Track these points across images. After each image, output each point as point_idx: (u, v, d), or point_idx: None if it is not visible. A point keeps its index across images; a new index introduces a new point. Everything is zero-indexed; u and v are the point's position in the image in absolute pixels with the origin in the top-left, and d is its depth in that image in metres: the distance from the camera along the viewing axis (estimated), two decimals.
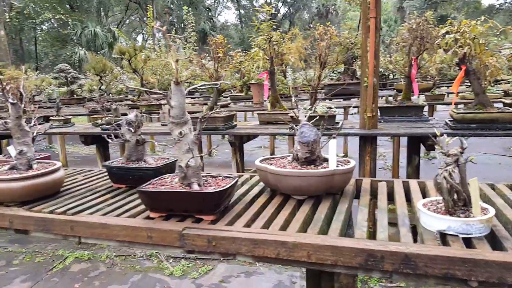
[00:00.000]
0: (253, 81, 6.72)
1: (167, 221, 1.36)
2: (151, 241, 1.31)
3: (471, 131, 3.20)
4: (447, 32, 3.19)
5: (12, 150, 1.88)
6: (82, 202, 1.63)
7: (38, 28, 23.73)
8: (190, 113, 5.08)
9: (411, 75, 3.89)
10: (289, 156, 1.66)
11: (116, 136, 1.82)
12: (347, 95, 7.13)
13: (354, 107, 5.63)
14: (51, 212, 1.53)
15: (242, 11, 35.32)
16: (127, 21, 34.54)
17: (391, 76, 9.55)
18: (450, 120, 3.44)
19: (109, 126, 4.30)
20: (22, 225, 1.50)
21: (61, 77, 9.63)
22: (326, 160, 1.57)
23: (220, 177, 1.51)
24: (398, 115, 3.91)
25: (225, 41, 3.91)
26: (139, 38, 36.20)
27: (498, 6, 34.81)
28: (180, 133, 1.38)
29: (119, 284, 3.23)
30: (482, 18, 2.99)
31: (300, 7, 36.43)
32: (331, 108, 3.78)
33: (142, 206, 1.56)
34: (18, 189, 1.58)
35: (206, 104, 7.45)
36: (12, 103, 1.71)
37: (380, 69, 9.53)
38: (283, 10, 37.12)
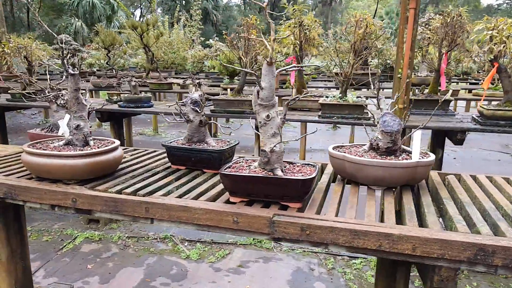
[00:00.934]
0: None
1: (251, 207, 1.31)
2: (237, 226, 1.26)
3: (500, 127, 3.21)
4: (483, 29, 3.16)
5: (63, 124, 1.80)
6: (148, 183, 1.56)
7: None
8: (209, 94, 4.94)
9: (440, 69, 3.86)
10: (363, 145, 1.62)
11: (177, 115, 1.75)
12: (360, 85, 7.10)
13: (386, 97, 5.59)
14: (119, 192, 1.46)
15: None
16: None
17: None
18: (478, 116, 3.43)
19: (128, 103, 4.19)
20: (88, 205, 1.44)
21: (63, 49, 9.37)
22: (405, 151, 1.53)
23: (298, 164, 1.46)
24: (424, 108, 3.88)
25: (258, 22, 3.80)
26: (137, 12, 35.40)
27: (496, 6, 34.93)
28: (268, 116, 1.33)
29: (134, 266, 3.17)
30: None
31: None
32: (361, 98, 3.74)
33: (216, 190, 1.51)
34: (81, 166, 1.50)
35: (213, 86, 7.33)
36: (72, 74, 1.62)
37: (386, 60, 9.52)
38: None
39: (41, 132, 2.13)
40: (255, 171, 1.37)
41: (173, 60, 9.96)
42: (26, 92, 2.74)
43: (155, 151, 2.14)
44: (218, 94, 4.66)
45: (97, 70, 9.99)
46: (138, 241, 3.68)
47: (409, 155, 1.51)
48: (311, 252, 3.40)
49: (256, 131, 4.15)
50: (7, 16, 22.59)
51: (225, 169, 1.38)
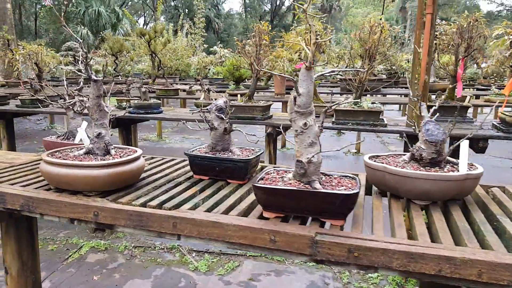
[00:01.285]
0: (276, 71, 6.55)
1: (288, 223, 1.21)
2: (274, 245, 1.15)
3: None
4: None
5: (82, 132, 1.70)
6: (172, 195, 1.46)
7: (38, 2, 23.08)
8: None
9: (457, 75, 3.75)
10: (401, 154, 1.51)
11: (201, 122, 1.65)
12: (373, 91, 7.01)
13: (402, 104, 5.47)
14: (143, 205, 1.36)
15: (247, 1, 34.88)
16: (130, 2, 33.87)
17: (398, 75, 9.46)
18: (499, 123, 3.33)
19: (138, 110, 4.11)
20: (110, 219, 1.33)
21: (69, 56, 9.35)
22: (449, 162, 1.42)
23: (336, 176, 1.36)
24: (441, 115, 3.76)
25: (269, 29, 3.72)
26: (141, 20, 35.62)
27: (496, 12, 35.01)
28: (305, 124, 1.22)
29: (141, 278, 3.05)
30: None
31: (305, 0, 36.07)
32: (376, 104, 3.64)
33: (245, 203, 1.40)
34: (103, 177, 1.40)
35: (218, 92, 7.25)
36: (95, 80, 1.53)
37: (391, 67, 9.45)
38: (287, 2, 36.75)
39: (56, 140, 2.03)
40: (290, 183, 1.26)
41: (177, 66, 9.92)
42: (41, 98, 2.66)
43: (173, 159, 2.04)
44: None
45: (103, 76, 9.97)
46: (144, 251, 3.57)
47: (454, 166, 1.40)
48: (324, 265, 3.28)
49: (267, 137, 4.00)
50: (15, 24, 22.70)
51: (258, 180, 1.28)
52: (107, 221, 1.34)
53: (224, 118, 1.61)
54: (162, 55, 8.68)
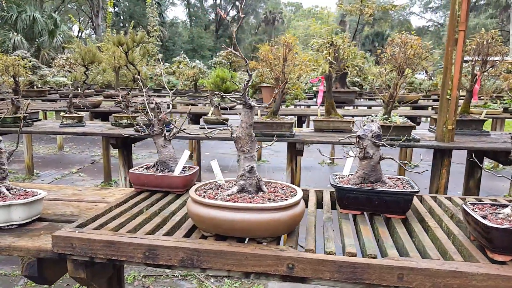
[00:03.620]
0: (264, 84, 6.42)
1: None
2: None
3: None
4: None
5: (216, 165, 1.44)
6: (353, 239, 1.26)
7: None
8: (198, 114, 4.72)
9: (473, 89, 3.91)
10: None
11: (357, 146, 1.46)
12: (339, 103, 7.13)
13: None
14: (345, 252, 1.15)
15: (191, 10, 34.47)
16: (63, 9, 31.82)
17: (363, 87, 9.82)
18: None
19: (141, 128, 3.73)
20: (311, 272, 1.10)
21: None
22: None
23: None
24: (459, 128, 3.89)
25: (296, 42, 3.58)
26: (75, 27, 33.54)
27: (426, 27, 38.33)
28: None
29: None
30: None
31: (249, 11, 36.62)
32: (406, 118, 3.66)
33: (445, 243, 1.24)
34: (285, 221, 1.17)
35: (191, 104, 6.94)
36: (250, 107, 1.29)
37: (357, 79, 9.79)
38: (232, 13, 36.98)
39: (148, 172, 1.70)
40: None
41: (131, 78, 9.37)
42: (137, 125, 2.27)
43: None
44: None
45: (54, 89, 9.09)
46: (156, 280, 3.26)
47: None
48: None
49: (290, 153, 3.82)
50: None
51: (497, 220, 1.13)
52: (306, 274, 1.12)
53: (380, 145, 1.45)
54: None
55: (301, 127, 7.05)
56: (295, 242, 1.22)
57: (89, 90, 7.82)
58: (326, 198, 1.64)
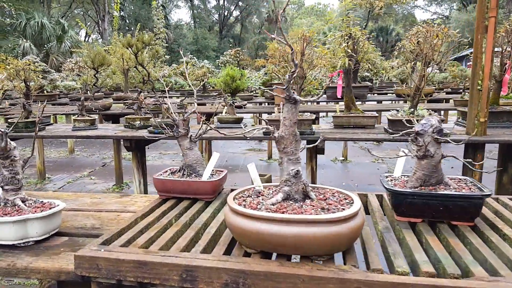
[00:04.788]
0: (276, 81, 6.25)
1: None
2: None
3: None
4: None
5: (253, 169, 1.27)
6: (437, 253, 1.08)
7: None
8: (207, 114, 4.56)
9: (503, 79, 3.70)
10: None
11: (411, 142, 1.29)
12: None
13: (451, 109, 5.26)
14: (428, 274, 0.98)
15: (195, 11, 34.39)
16: (70, 14, 31.91)
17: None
18: None
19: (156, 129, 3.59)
20: None
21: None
22: None
23: None
24: (489, 121, 3.68)
25: (313, 35, 3.41)
26: (82, 32, 33.62)
27: (431, 21, 37.82)
28: None
29: None
30: None
31: (252, 11, 36.45)
32: (435, 112, 3.46)
33: None
34: (347, 234, 1.00)
35: (199, 104, 6.81)
36: (294, 101, 1.12)
37: (367, 74, 9.58)
38: (235, 13, 36.84)
39: (174, 178, 1.54)
40: None
41: (140, 79, 9.26)
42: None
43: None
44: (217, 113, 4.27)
45: (64, 93, 9.02)
46: None
47: None
48: None
49: (309, 152, 3.65)
50: None
51: None
52: None
53: (441, 142, 1.27)
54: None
55: (318, 123, 6.87)
56: (355, 260, 1.04)
57: (99, 93, 7.71)
58: (375, 203, 1.47)
